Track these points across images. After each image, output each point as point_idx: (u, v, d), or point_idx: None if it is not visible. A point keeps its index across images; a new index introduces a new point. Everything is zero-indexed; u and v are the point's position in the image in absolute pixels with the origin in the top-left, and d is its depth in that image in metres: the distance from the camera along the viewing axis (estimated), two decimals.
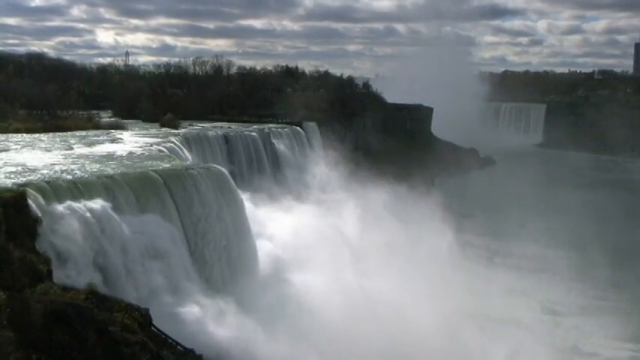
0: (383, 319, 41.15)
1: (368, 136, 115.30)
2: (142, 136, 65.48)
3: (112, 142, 58.59)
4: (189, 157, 58.79)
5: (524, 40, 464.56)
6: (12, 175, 35.85)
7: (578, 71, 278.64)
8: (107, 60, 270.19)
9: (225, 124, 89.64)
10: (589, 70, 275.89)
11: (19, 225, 28.64)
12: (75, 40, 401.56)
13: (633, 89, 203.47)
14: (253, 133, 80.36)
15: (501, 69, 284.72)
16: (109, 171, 40.23)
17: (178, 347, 30.05)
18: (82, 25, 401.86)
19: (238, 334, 34.42)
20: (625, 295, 58.04)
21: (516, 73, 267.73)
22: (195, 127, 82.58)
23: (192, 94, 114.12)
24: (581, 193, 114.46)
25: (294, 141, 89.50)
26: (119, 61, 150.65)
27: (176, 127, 79.26)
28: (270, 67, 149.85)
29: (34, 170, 38.38)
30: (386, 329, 39.79)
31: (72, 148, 52.07)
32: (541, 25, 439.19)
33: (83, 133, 67.07)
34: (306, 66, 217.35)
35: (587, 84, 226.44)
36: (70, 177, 36.52)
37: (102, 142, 57.69)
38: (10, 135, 60.69)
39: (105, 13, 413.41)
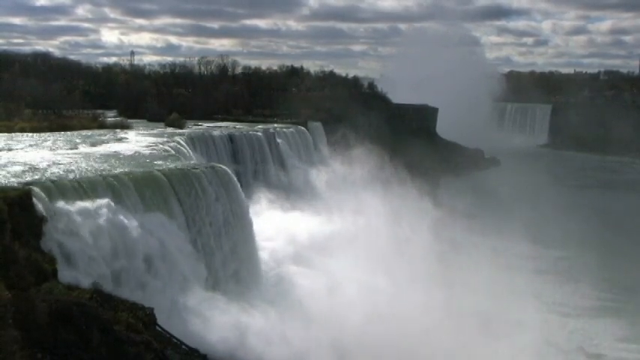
0: (388, 319, 41.20)
1: (373, 137, 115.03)
2: (147, 136, 65.51)
3: (117, 142, 58.61)
4: (194, 156, 58.78)
5: (529, 40, 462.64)
6: (17, 174, 35.94)
7: (584, 72, 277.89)
8: (112, 59, 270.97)
9: (230, 124, 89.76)
10: (594, 70, 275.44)
11: (25, 224, 28.68)
12: (80, 39, 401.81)
13: (639, 90, 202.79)
14: (258, 133, 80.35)
15: (506, 69, 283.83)
16: (114, 170, 40.25)
17: (183, 347, 30.08)
18: (87, 25, 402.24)
19: (240, 332, 34.53)
20: (630, 296, 57.94)
21: (521, 73, 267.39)
22: (201, 127, 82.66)
23: (197, 94, 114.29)
24: (587, 194, 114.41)
25: (298, 141, 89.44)
26: (124, 61, 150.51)
27: (181, 127, 79.33)
28: (275, 67, 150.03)
29: (39, 169, 38.44)
30: (389, 328, 39.85)
31: (77, 148, 52.13)
32: (546, 25, 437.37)
33: (88, 132, 67.16)
34: (311, 66, 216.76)
35: (593, 84, 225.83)
36: (75, 176, 36.55)
37: (107, 142, 57.72)
38: (16, 134, 60.85)
39: (110, 12, 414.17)
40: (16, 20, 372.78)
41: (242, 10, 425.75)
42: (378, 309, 42.52)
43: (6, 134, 59.82)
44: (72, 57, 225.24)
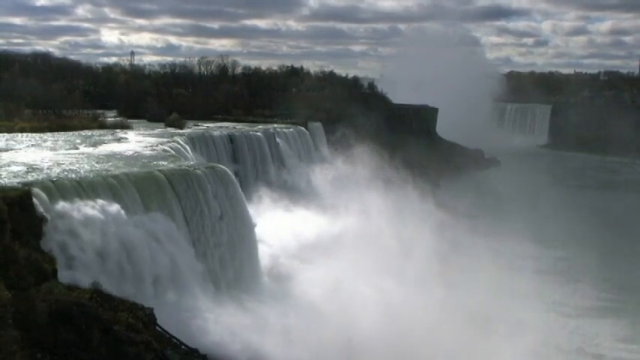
0: (390, 318, 41.19)
1: (373, 137, 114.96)
2: (147, 136, 65.52)
3: (117, 142, 58.63)
4: (194, 157, 58.78)
5: (529, 40, 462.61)
6: (17, 174, 35.92)
7: (584, 72, 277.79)
8: (112, 60, 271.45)
9: (230, 124, 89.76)
10: (594, 71, 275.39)
11: (24, 224, 28.69)
12: (80, 39, 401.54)
13: (639, 90, 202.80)
14: (258, 133, 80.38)
15: (506, 69, 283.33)
16: (114, 170, 40.21)
17: (182, 347, 30.08)
18: (87, 25, 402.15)
19: (239, 331, 34.53)
20: (630, 296, 57.87)
21: (521, 73, 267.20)
22: (201, 127, 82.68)
23: (197, 94, 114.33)
24: (587, 194, 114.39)
25: (298, 141, 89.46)
26: (124, 61, 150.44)
27: (181, 127, 79.35)
28: (275, 67, 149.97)
29: (39, 169, 38.44)
30: (391, 327, 39.84)
31: (77, 148, 52.12)
32: (546, 25, 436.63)
33: (88, 132, 67.16)
34: (311, 66, 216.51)
35: (593, 85, 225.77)
36: (75, 176, 36.53)
37: (107, 142, 57.72)
38: (16, 134, 60.83)
39: (110, 12, 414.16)
40: (16, 20, 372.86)
41: (242, 10, 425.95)
42: (380, 308, 42.48)
43: (6, 134, 59.80)
44: (72, 57, 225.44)
